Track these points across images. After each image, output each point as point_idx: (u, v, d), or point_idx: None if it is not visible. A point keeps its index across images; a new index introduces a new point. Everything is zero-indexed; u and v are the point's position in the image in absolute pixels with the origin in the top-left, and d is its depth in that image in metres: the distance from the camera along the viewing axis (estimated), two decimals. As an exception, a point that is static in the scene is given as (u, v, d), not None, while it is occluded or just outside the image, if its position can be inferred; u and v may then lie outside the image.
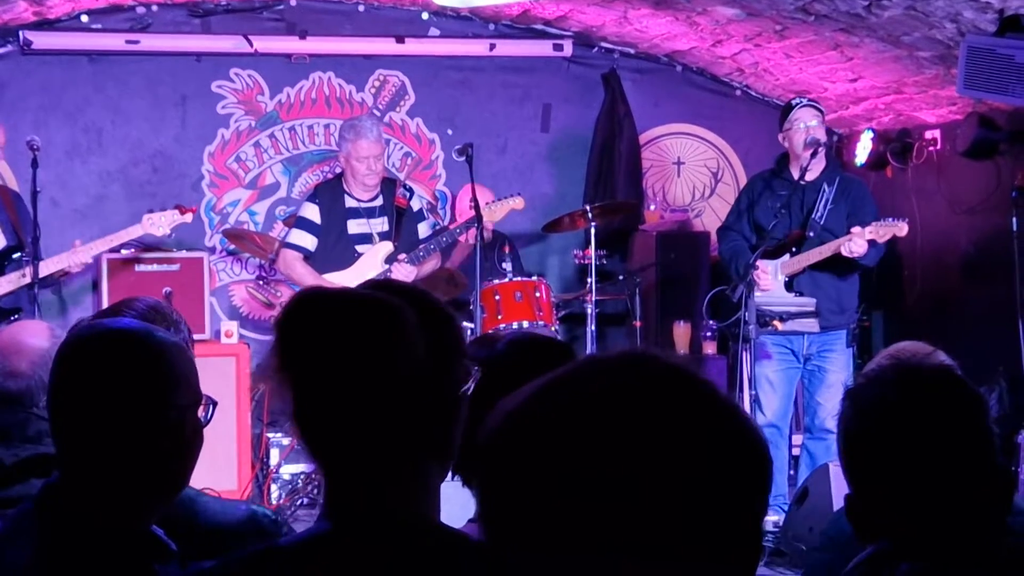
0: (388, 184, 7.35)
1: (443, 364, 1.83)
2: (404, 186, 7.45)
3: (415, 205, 7.40)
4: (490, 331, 6.99)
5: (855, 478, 2.09)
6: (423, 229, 7.43)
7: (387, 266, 7.13)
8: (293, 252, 7.26)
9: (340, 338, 1.75)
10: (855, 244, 6.58)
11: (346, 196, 7.25)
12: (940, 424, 2.02)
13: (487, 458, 1.22)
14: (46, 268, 6.71)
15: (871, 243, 6.62)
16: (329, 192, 7.32)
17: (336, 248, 7.21)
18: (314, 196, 7.37)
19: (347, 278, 7.04)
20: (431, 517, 1.84)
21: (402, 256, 7.13)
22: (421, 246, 7.21)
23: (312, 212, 7.26)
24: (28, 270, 6.62)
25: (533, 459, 1.17)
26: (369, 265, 7.15)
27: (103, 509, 2.08)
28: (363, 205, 7.24)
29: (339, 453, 1.79)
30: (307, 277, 7.12)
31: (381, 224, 7.23)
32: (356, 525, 1.76)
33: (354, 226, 7.24)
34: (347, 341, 1.75)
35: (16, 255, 6.73)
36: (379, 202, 7.25)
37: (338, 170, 7.55)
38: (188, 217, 7.11)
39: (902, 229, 6.69)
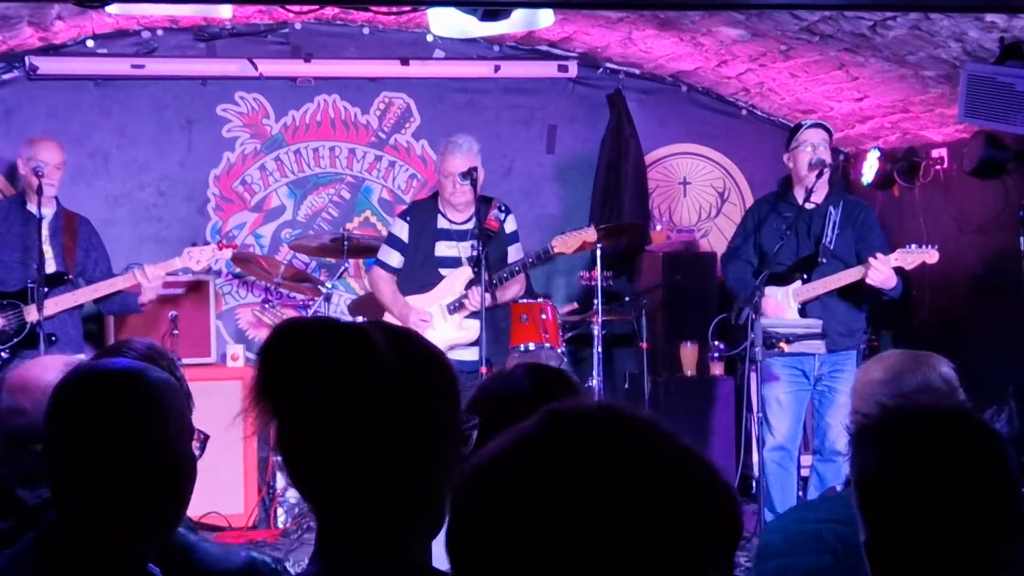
0: (484, 204, 7.05)
1: (432, 408, 1.78)
2: (500, 207, 7.12)
3: (508, 227, 7.10)
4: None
5: (874, 523, 2.03)
6: (513, 252, 7.13)
7: (465, 292, 6.93)
8: (379, 270, 7.11)
9: (313, 369, 1.72)
10: (878, 272, 6.47)
11: (439, 216, 7.01)
12: (966, 470, 1.98)
13: (454, 515, 1.23)
14: (96, 292, 6.82)
15: (897, 271, 6.55)
16: (423, 211, 7.09)
17: (422, 270, 7.01)
18: (406, 214, 7.17)
19: (425, 301, 6.95)
20: (422, 561, 1.80)
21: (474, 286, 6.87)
22: (496, 273, 6.89)
23: (401, 229, 7.07)
24: (77, 292, 6.78)
25: (497, 520, 1.17)
26: (448, 290, 6.97)
27: (100, 548, 2.08)
28: (455, 227, 6.99)
29: (324, 490, 1.76)
30: (387, 296, 7.02)
31: (471, 248, 6.93)
32: (345, 567, 1.73)
33: (443, 248, 7.00)
34: (318, 372, 1.72)
35: (62, 282, 6.81)
36: (471, 224, 6.96)
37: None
38: (227, 253, 7.13)
39: (932, 256, 6.57)
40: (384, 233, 7.97)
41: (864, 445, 2.08)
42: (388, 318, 6.88)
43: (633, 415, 1.23)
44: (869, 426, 2.10)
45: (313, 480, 1.76)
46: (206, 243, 7.08)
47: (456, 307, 6.93)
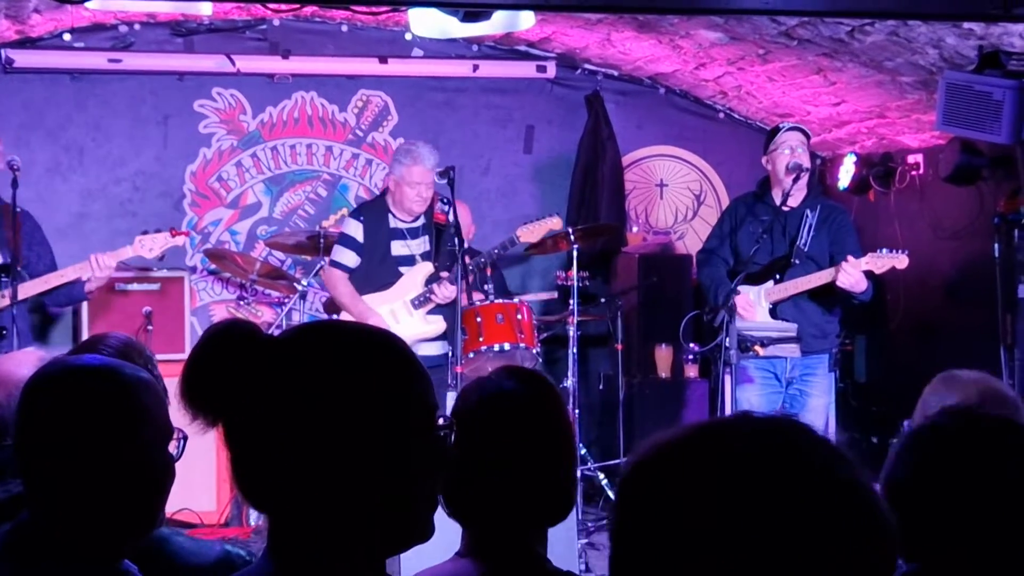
0: None
1: (399, 410, 1.69)
2: (442, 199, 7.19)
3: (451, 218, 7.16)
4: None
5: (913, 538, 1.99)
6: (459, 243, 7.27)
7: (427, 287, 7.04)
8: (336, 271, 7.17)
9: (245, 375, 1.65)
10: (849, 275, 6.50)
11: (390, 216, 7.13)
12: (1007, 479, 1.97)
13: (625, 491, 1.25)
14: (46, 283, 6.68)
15: (867, 274, 6.57)
16: (374, 211, 7.20)
17: (380, 269, 7.11)
18: (358, 213, 7.27)
19: (387, 299, 7.06)
20: (377, 569, 1.73)
21: (444, 274, 7.06)
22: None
23: (355, 229, 7.14)
24: (17, 287, 6.61)
25: (670, 505, 1.19)
26: (409, 286, 7.10)
27: (73, 547, 2.05)
28: (406, 226, 7.13)
29: (272, 499, 1.68)
30: (346, 297, 7.10)
31: (422, 244, 7.14)
32: (297, 568, 1.67)
33: (397, 247, 7.13)
34: (251, 378, 1.65)
35: (10, 273, 6.69)
36: (421, 222, 7.14)
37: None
38: (180, 240, 7.01)
39: (902, 261, 6.59)
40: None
41: (903, 454, 2.08)
42: (346, 317, 6.96)
43: (819, 436, 1.26)
44: (908, 437, 2.10)
45: (260, 489, 1.69)
46: (157, 231, 6.93)
47: (421, 302, 7.04)
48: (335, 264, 7.20)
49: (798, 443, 1.23)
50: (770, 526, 1.16)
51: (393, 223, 7.13)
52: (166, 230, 6.94)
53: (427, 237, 7.12)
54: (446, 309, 7.09)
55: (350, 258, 7.14)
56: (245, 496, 1.70)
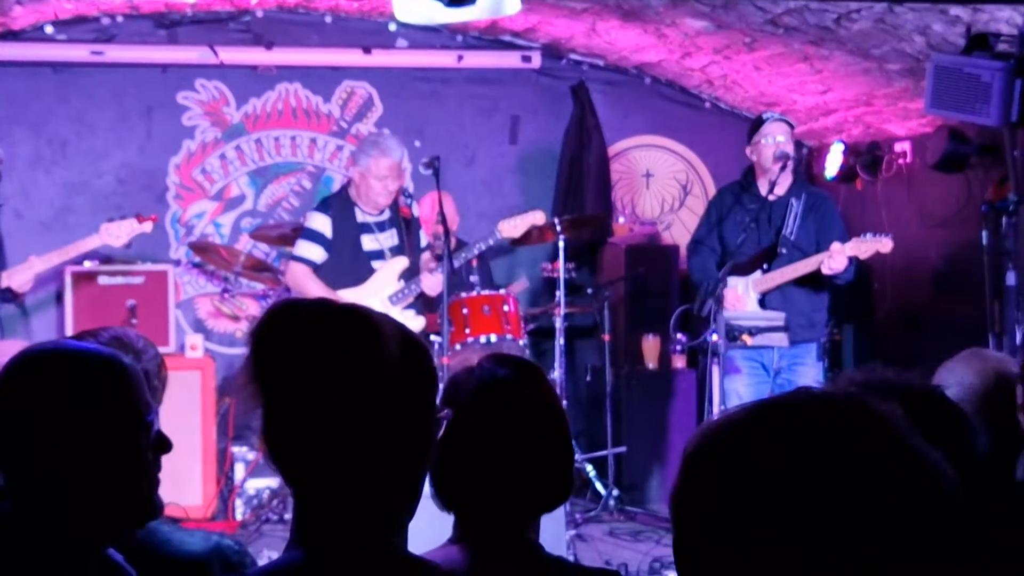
0: None
1: (418, 395, 1.79)
2: (404, 193, 7.12)
3: (415, 212, 7.19)
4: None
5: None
6: (422, 237, 7.26)
7: (402, 282, 6.97)
8: (302, 266, 6.99)
9: (313, 348, 1.70)
10: (835, 261, 6.53)
11: (356, 210, 7.02)
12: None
13: (690, 470, 1.24)
14: (9, 278, 6.57)
15: (851, 259, 6.58)
16: (340, 205, 7.05)
17: (352, 264, 6.98)
18: (325, 207, 7.09)
19: (362, 294, 6.87)
20: (402, 546, 1.80)
21: (432, 264, 7.04)
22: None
23: (322, 223, 6.99)
24: None
25: (740, 481, 1.18)
26: (384, 281, 7.00)
27: (56, 537, 2.02)
28: (373, 220, 7.02)
29: (310, 474, 1.74)
30: (316, 292, 6.76)
31: (390, 238, 7.04)
32: (329, 553, 1.72)
33: (368, 241, 7.01)
34: (320, 352, 1.70)
35: None
36: (387, 215, 7.04)
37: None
38: (147, 226, 6.85)
39: (886, 245, 6.63)
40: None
41: None
42: None
43: (885, 408, 1.25)
44: None
45: (297, 464, 1.74)
46: (122, 218, 6.80)
47: (399, 298, 6.96)
48: (298, 259, 7.02)
49: (866, 413, 1.22)
50: (842, 496, 1.15)
51: (360, 217, 7.02)
52: (132, 216, 6.84)
53: (395, 230, 7.03)
54: (420, 304, 7.05)
55: (316, 253, 6.99)
56: (279, 469, 1.78)
